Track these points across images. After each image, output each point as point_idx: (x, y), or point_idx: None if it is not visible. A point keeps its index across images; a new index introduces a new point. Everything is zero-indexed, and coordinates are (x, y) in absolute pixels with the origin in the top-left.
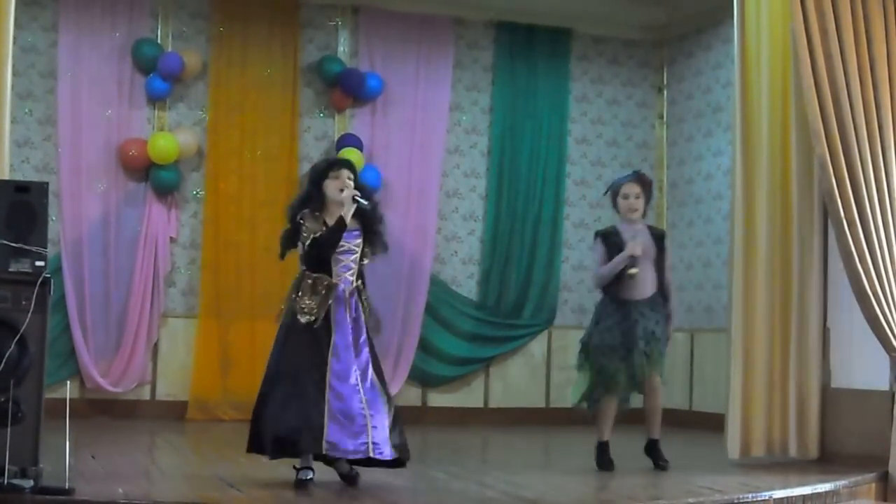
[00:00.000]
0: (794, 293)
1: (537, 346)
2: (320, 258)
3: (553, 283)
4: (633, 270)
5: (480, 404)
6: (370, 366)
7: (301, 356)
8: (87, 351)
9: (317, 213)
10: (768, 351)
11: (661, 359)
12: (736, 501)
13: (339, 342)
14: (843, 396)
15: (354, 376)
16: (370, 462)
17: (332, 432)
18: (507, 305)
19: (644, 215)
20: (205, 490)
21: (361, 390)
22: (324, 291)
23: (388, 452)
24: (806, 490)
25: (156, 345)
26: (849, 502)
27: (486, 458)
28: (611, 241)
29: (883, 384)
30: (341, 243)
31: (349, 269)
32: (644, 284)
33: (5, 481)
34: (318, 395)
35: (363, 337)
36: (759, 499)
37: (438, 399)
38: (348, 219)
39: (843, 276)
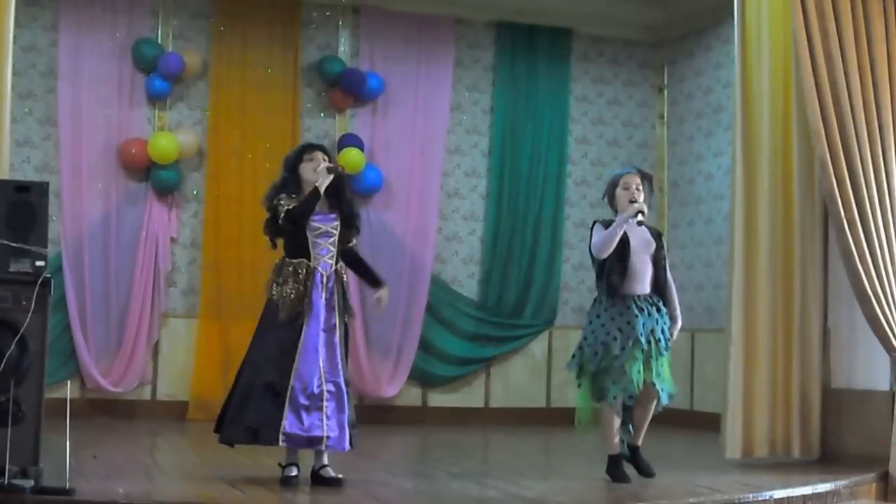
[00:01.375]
0: (794, 293)
1: (538, 345)
2: (295, 237)
3: (554, 283)
4: (640, 217)
5: (481, 404)
6: (339, 355)
7: (271, 348)
8: (88, 351)
9: (293, 196)
10: (769, 351)
11: (663, 364)
12: (737, 501)
13: (310, 333)
14: (843, 397)
15: (321, 367)
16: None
17: (289, 424)
18: (507, 305)
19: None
20: (205, 490)
21: (325, 383)
22: (303, 278)
23: (343, 445)
24: (806, 490)
25: (156, 345)
26: (849, 502)
27: (487, 458)
28: None
29: (883, 384)
30: (318, 226)
31: (328, 253)
32: (643, 279)
33: (6, 481)
34: (282, 387)
35: (334, 322)
36: (759, 499)
37: (439, 399)
38: (322, 189)
39: (844, 276)
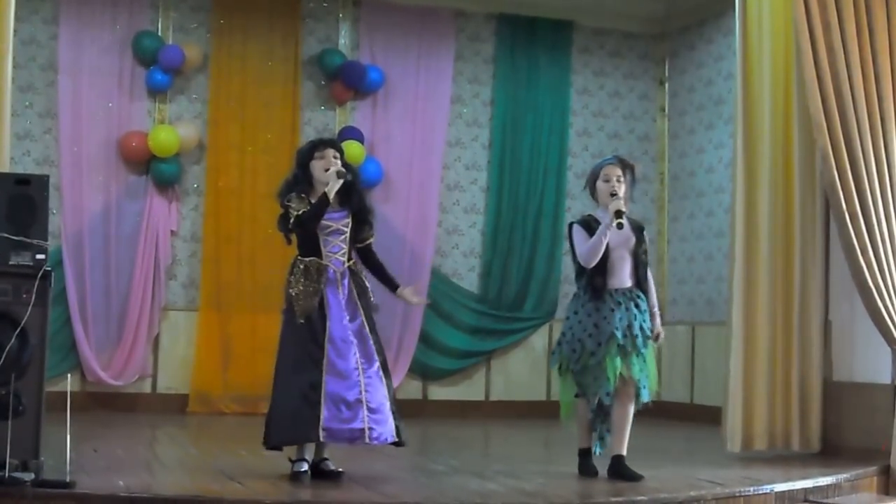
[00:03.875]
0: (795, 286)
1: (538, 338)
2: (305, 236)
3: (554, 275)
4: (620, 220)
5: (481, 397)
6: (374, 348)
7: (299, 347)
8: (88, 344)
9: (303, 195)
10: (770, 344)
11: (642, 360)
12: (737, 495)
13: (334, 328)
14: (844, 390)
15: (354, 360)
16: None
17: (328, 419)
18: (508, 298)
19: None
20: (205, 483)
21: (361, 375)
22: (315, 276)
23: (385, 436)
24: (807, 483)
25: (157, 338)
26: (850, 495)
27: (487, 451)
28: (592, 229)
29: (884, 378)
30: (328, 224)
31: (339, 250)
32: (620, 273)
33: (6, 474)
34: (316, 382)
35: (360, 318)
36: (760, 492)
37: (439, 392)
38: (332, 195)
39: (845, 268)
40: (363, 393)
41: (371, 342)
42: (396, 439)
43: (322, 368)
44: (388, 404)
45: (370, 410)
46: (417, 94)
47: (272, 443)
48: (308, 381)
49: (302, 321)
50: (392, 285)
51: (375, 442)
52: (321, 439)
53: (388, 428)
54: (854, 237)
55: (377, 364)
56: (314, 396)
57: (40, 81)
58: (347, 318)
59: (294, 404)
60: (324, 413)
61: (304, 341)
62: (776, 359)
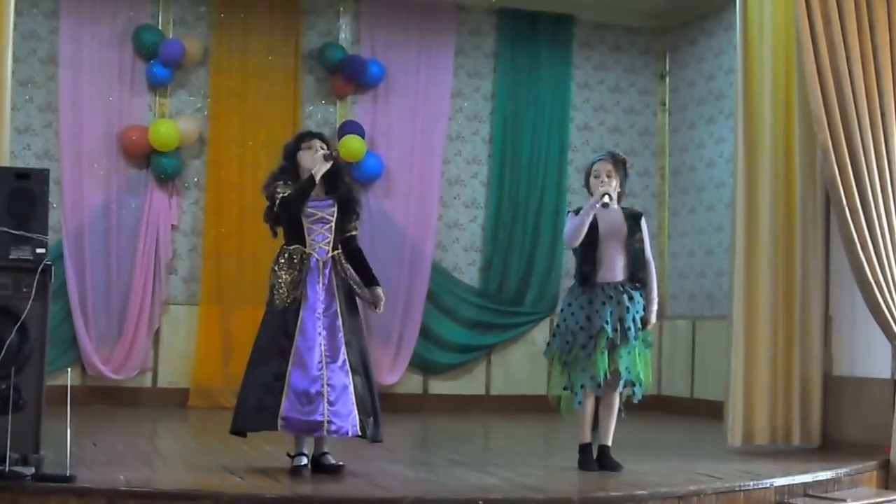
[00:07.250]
0: (796, 281)
1: (539, 333)
2: (290, 224)
3: (555, 270)
4: (606, 199)
5: (482, 391)
6: (342, 342)
7: (271, 336)
8: (89, 338)
9: (289, 183)
10: (770, 339)
11: (631, 353)
12: (737, 489)
13: (306, 319)
14: (844, 384)
15: (319, 353)
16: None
17: (287, 409)
18: (508, 293)
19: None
20: (206, 477)
21: (325, 368)
22: (298, 264)
23: (346, 429)
24: (807, 478)
25: (157, 332)
26: (850, 490)
27: (488, 446)
28: None
29: (885, 372)
30: (313, 212)
31: (324, 239)
32: (612, 267)
33: (7, 468)
34: (280, 372)
35: (334, 309)
36: (760, 486)
37: (440, 386)
38: (318, 177)
39: (845, 263)
40: (325, 386)
41: (340, 335)
42: (360, 434)
43: (288, 359)
44: (351, 398)
45: (330, 403)
46: (418, 88)
47: (234, 428)
48: (273, 371)
49: (280, 310)
50: (368, 280)
51: (334, 435)
52: (279, 428)
53: (349, 421)
54: (854, 232)
55: (342, 358)
56: (277, 387)
57: (40, 75)
58: (323, 307)
59: (258, 393)
60: (284, 403)
61: (276, 331)
62: (777, 354)
